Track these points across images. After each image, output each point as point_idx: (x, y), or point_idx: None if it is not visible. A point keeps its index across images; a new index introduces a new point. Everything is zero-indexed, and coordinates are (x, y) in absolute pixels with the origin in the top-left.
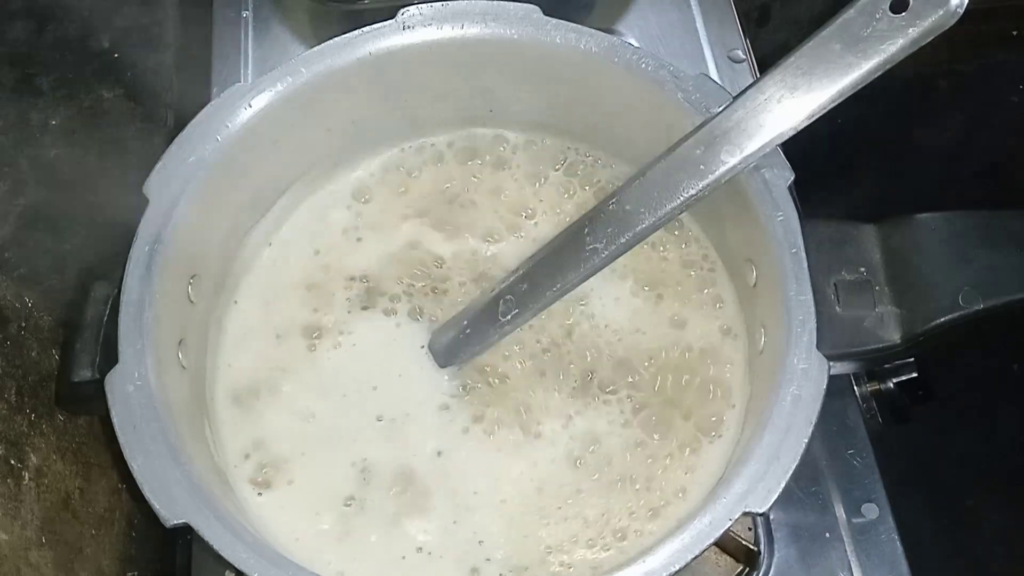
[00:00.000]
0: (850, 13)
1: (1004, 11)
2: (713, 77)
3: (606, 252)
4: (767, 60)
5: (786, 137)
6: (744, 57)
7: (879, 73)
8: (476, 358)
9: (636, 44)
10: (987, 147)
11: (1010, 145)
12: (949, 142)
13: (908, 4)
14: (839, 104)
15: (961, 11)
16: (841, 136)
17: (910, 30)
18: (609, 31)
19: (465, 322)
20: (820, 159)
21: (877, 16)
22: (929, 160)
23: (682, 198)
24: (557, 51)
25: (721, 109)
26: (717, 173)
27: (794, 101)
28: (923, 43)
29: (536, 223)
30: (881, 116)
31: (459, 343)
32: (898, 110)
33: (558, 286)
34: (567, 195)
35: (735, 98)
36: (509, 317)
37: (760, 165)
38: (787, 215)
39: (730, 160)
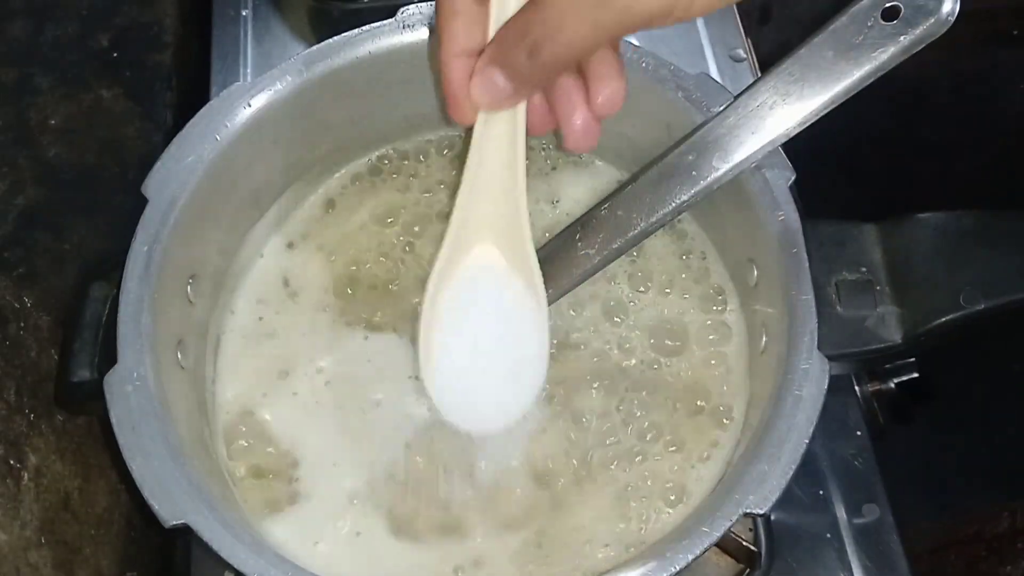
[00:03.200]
0: (842, 20)
1: (1004, 11)
2: (714, 76)
3: (598, 258)
4: (768, 59)
5: (779, 143)
6: (745, 56)
7: (871, 80)
8: None
9: (636, 43)
10: (987, 147)
11: (1010, 145)
12: (950, 142)
13: (900, 12)
14: (840, 103)
15: (952, 19)
16: (842, 136)
17: (901, 38)
18: None
19: None
20: (821, 158)
21: (869, 24)
22: (930, 159)
23: (674, 204)
24: None
25: (713, 115)
26: (709, 179)
27: (786, 108)
28: (914, 51)
29: (534, 224)
30: (882, 116)
31: None
32: (898, 110)
33: (549, 291)
34: (566, 194)
35: (728, 104)
36: None
37: (761, 165)
38: (788, 215)
39: (722, 167)
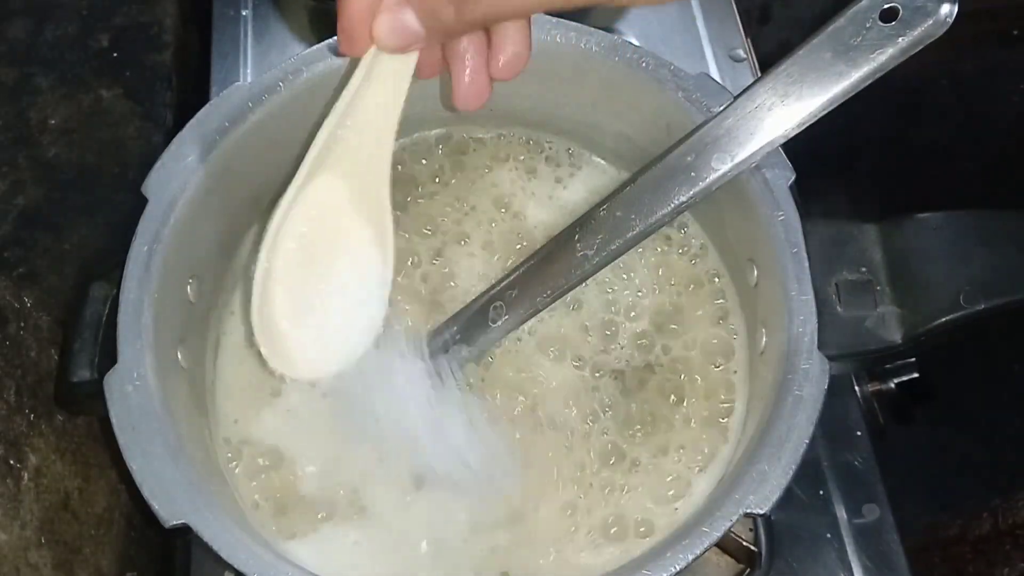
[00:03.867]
0: (840, 22)
1: (1004, 11)
2: (714, 76)
3: (597, 259)
4: (768, 59)
5: (777, 144)
6: (745, 56)
7: (870, 81)
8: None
9: (637, 43)
10: (987, 147)
11: (1010, 145)
12: (950, 142)
13: (898, 14)
14: (840, 104)
15: (951, 20)
16: (842, 136)
17: (900, 39)
18: (609, 30)
19: (455, 327)
20: (821, 159)
21: (867, 25)
22: (930, 160)
23: (673, 205)
24: (558, 50)
25: (713, 116)
26: (708, 180)
27: (785, 109)
28: (913, 52)
29: (533, 224)
30: (882, 116)
31: (448, 349)
32: (899, 110)
33: (548, 292)
34: (566, 195)
35: (726, 105)
36: (499, 323)
37: (761, 165)
38: (788, 215)
39: (721, 167)
